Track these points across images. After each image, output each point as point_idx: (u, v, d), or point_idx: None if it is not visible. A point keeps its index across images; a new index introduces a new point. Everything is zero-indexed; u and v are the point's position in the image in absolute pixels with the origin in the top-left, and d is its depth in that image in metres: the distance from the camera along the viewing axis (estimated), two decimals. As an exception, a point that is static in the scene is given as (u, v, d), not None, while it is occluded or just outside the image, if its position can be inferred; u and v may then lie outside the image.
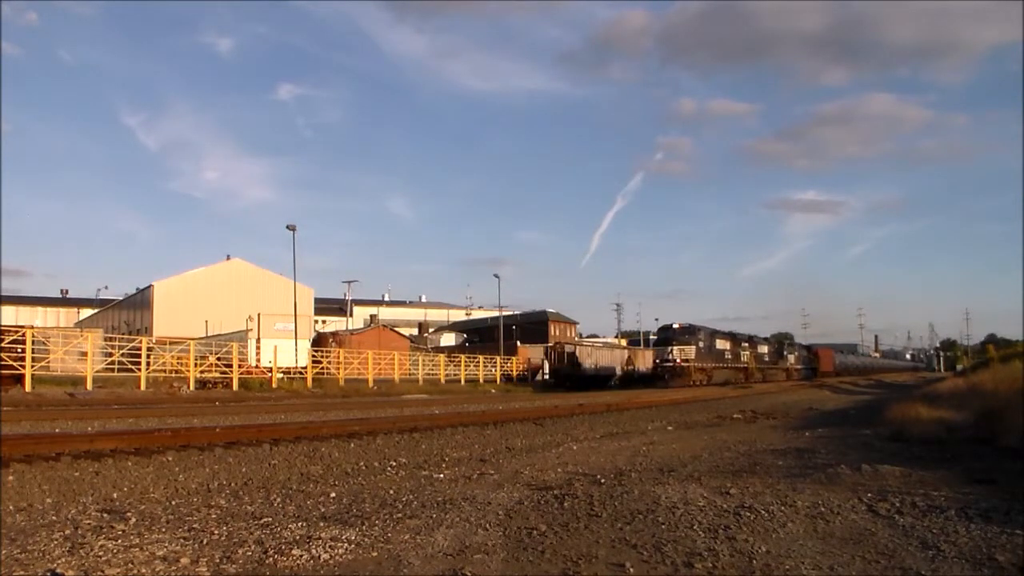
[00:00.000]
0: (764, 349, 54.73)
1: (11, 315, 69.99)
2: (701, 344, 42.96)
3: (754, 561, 4.44)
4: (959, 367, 66.77)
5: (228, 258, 66.35)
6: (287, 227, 38.64)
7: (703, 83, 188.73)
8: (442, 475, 8.37)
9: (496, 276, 58.27)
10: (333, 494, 7.00)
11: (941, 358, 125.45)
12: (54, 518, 5.86)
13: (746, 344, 50.82)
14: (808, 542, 4.91)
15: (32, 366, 22.83)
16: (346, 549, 4.73)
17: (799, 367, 61.94)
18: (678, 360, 41.22)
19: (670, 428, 15.60)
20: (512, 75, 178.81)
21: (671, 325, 44.43)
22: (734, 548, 4.72)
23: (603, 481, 7.58)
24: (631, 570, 4.29)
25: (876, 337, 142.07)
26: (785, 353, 59.50)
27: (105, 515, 5.92)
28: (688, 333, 42.96)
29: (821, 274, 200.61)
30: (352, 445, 10.70)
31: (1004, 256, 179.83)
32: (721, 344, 46.49)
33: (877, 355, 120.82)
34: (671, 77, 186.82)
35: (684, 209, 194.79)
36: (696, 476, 7.92)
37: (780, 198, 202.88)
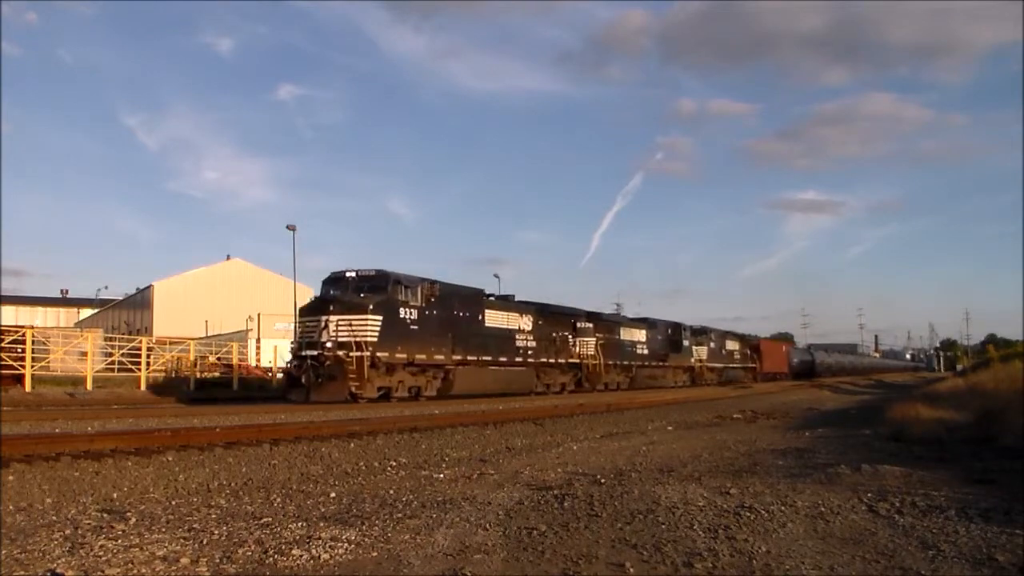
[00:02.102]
0: (638, 336, 35.30)
1: (11, 315, 69.67)
2: (408, 314, 20.33)
3: (754, 561, 4.44)
4: (959, 367, 66.72)
5: (228, 258, 66.21)
6: (287, 227, 38.33)
7: (703, 83, 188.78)
8: (442, 475, 8.37)
9: (496, 276, 57.69)
10: (333, 494, 7.00)
11: (941, 358, 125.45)
12: (54, 518, 5.86)
13: (587, 325, 30.58)
14: (808, 542, 4.91)
15: (32, 366, 22.81)
16: (346, 549, 4.73)
17: (716, 366, 44.03)
18: (330, 344, 18.69)
19: (670, 428, 15.60)
20: (512, 75, 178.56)
21: (341, 274, 20.76)
22: (734, 548, 4.72)
23: (603, 481, 7.58)
24: (631, 570, 4.29)
25: (876, 337, 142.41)
26: (688, 344, 40.59)
27: (105, 515, 5.92)
28: (372, 290, 20.02)
29: (821, 274, 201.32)
30: (352, 445, 10.70)
31: (1004, 256, 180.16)
32: (500, 320, 25.04)
33: (877, 355, 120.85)
34: (671, 77, 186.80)
35: (684, 209, 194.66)
36: (696, 476, 7.92)
37: (780, 198, 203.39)
